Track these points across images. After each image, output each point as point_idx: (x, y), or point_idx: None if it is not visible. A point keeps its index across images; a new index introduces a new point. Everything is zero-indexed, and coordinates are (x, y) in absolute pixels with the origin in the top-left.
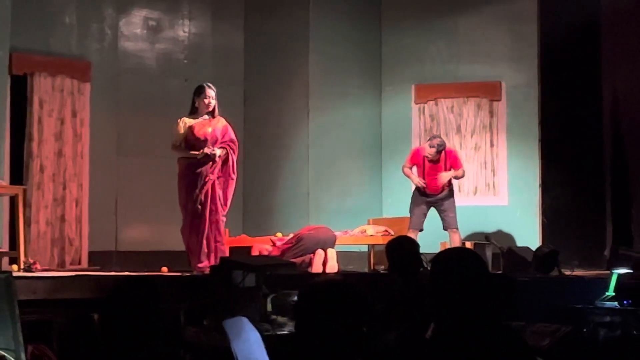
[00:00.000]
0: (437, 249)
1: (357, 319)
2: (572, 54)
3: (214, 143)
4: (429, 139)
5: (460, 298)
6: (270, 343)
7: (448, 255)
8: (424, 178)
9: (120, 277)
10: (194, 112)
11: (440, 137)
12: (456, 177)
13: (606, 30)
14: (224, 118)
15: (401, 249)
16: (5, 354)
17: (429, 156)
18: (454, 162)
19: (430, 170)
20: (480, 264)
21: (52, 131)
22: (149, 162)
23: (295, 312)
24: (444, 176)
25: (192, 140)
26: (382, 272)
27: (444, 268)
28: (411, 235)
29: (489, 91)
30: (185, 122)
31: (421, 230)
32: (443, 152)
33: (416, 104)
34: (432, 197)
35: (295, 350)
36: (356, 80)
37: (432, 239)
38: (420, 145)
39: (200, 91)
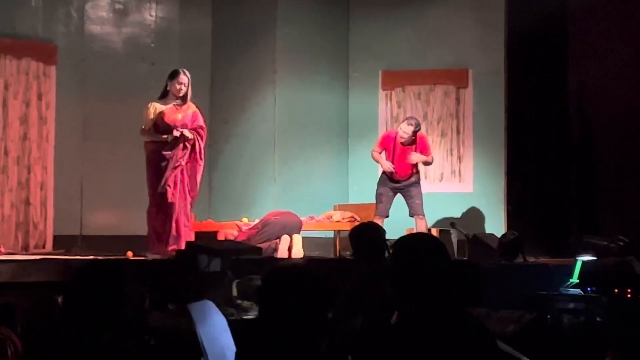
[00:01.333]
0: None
1: (320, 304)
2: (540, 42)
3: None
4: (407, 119)
5: (422, 284)
6: (235, 328)
7: (409, 242)
8: (393, 163)
9: (85, 261)
10: (164, 96)
11: (417, 119)
12: (426, 163)
13: (573, 18)
14: (195, 104)
15: (365, 235)
16: None
17: (405, 135)
18: (423, 148)
19: (400, 155)
20: (441, 250)
21: (17, 114)
22: (115, 147)
23: (258, 297)
24: (415, 157)
25: (161, 126)
26: (347, 258)
27: (405, 254)
28: (377, 221)
29: (456, 78)
30: (156, 107)
31: (387, 216)
32: (414, 137)
33: (383, 90)
34: (399, 183)
35: (259, 335)
36: (323, 66)
37: (398, 225)
38: (387, 130)
39: (174, 75)
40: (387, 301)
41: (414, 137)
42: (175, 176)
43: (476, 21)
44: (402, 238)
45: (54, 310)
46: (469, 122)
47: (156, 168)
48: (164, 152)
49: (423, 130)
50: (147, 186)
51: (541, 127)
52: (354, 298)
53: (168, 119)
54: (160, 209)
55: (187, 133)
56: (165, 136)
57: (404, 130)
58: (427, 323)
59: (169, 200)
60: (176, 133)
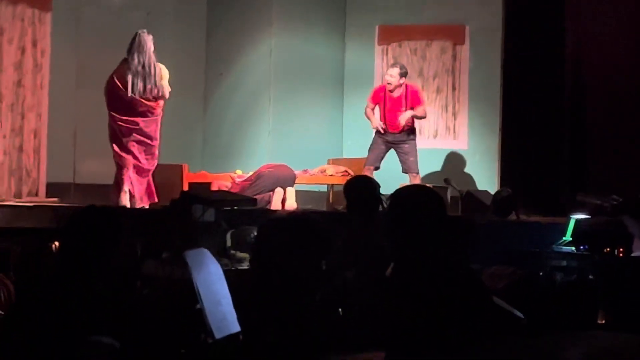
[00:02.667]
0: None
1: (316, 254)
2: (538, 1)
3: None
4: (392, 64)
5: (418, 236)
6: (229, 278)
7: (406, 193)
8: (384, 116)
9: (80, 207)
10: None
11: (403, 64)
12: (417, 117)
13: None
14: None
15: (359, 188)
16: None
17: (391, 80)
18: (414, 99)
19: (391, 107)
20: (438, 202)
21: (11, 60)
22: None
23: (254, 247)
24: (404, 117)
25: None
26: (341, 211)
27: (403, 205)
28: (367, 172)
29: (452, 35)
30: None
31: (377, 168)
32: (404, 89)
33: (379, 45)
34: (392, 136)
35: (254, 286)
36: (320, 20)
37: (392, 181)
38: (378, 85)
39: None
40: (381, 254)
41: (401, 86)
42: None
43: None
44: (400, 189)
45: (46, 256)
46: (465, 78)
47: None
48: None
49: (418, 86)
50: (157, 144)
51: (536, 85)
52: (346, 251)
53: None
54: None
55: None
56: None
57: (390, 74)
58: (422, 275)
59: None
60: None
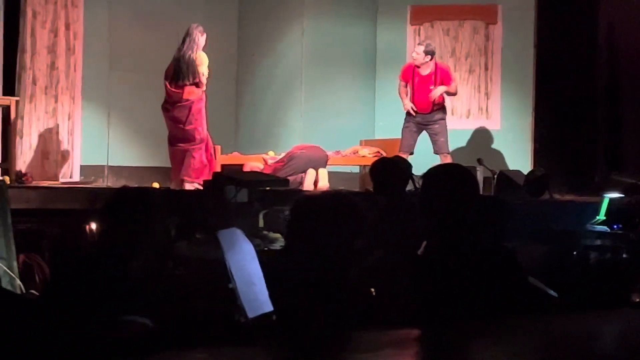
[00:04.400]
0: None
1: (349, 232)
2: None
3: None
4: (419, 42)
5: (453, 215)
6: (262, 258)
7: (440, 172)
8: (413, 94)
9: (115, 189)
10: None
11: (430, 42)
12: (448, 93)
13: None
14: None
15: (384, 170)
16: None
17: (417, 57)
18: (444, 78)
19: (419, 85)
20: (472, 180)
21: (45, 43)
22: (141, 77)
23: (288, 223)
24: (436, 92)
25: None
26: (370, 191)
27: (436, 184)
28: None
29: (485, 14)
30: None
31: (411, 153)
32: (433, 67)
33: (412, 25)
34: (422, 117)
35: (287, 265)
36: (352, 1)
37: (424, 162)
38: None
39: (203, 31)
40: (409, 234)
41: (430, 64)
42: None
43: None
44: (433, 168)
45: (80, 237)
46: (498, 58)
47: (204, 112)
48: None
49: (450, 67)
50: (194, 128)
51: (570, 64)
52: (375, 231)
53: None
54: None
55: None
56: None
57: (416, 51)
58: (457, 254)
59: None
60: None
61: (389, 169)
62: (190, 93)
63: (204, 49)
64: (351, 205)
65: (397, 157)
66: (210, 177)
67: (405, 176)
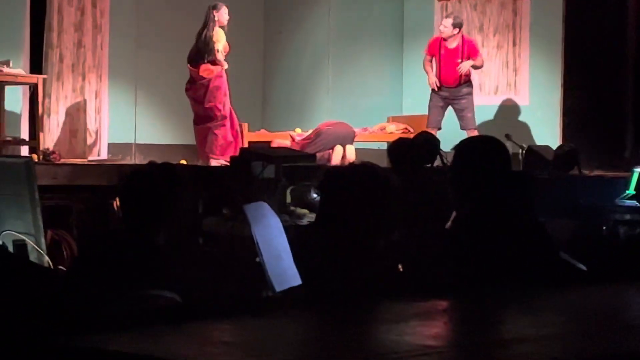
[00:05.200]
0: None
1: (378, 203)
2: None
3: None
4: (446, 15)
5: (486, 187)
6: (289, 234)
7: (472, 144)
8: (440, 68)
9: (142, 164)
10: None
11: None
12: (475, 67)
13: None
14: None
15: (399, 151)
16: (25, 238)
17: (444, 30)
18: (471, 51)
19: (446, 58)
20: (504, 152)
21: (71, 21)
22: (168, 56)
23: (320, 191)
24: (464, 66)
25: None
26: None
27: (468, 156)
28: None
29: None
30: (222, 34)
31: (439, 128)
32: (460, 40)
33: (439, 1)
34: (449, 91)
35: (315, 239)
36: None
37: (452, 137)
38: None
39: (219, 7)
40: (431, 210)
41: (457, 37)
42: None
43: None
44: (465, 141)
45: (108, 213)
46: (526, 34)
47: (224, 89)
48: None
49: (478, 42)
50: (213, 106)
51: (598, 40)
52: (401, 206)
53: (227, 45)
54: (228, 122)
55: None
56: (225, 65)
57: (444, 24)
58: (490, 226)
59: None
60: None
61: (403, 150)
62: (206, 71)
63: (228, 25)
64: (379, 178)
65: (424, 132)
66: (236, 154)
67: (431, 152)
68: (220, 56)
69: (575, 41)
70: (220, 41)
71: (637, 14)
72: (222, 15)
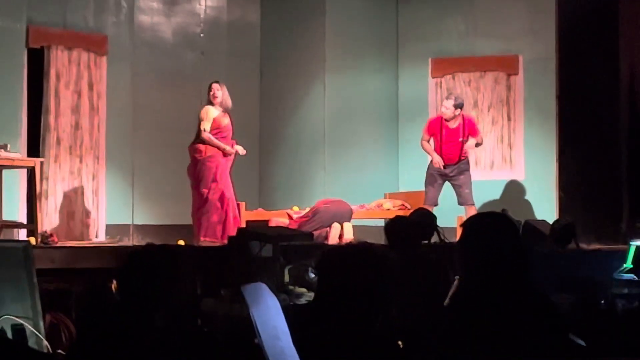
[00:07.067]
0: (453, 223)
1: (376, 282)
2: (590, 27)
3: None
4: (447, 96)
5: (497, 264)
6: (288, 313)
7: (482, 221)
8: (440, 147)
9: (139, 246)
10: (211, 104)
11: (458, 95)
12: (477, 145)
13: (624, 2)
14: None
15: (394, 228)
16: (24, 323)
17: (446, 111)
18: (471, 130)
19: (447, 138)
20: (514, 229)
21: (68, 104)
22: (165, 136)
23: (316, 272)
24: (470, 145)
25: (213, 129)
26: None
27: (478, 233)
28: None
29: (506, 65)
30: (210, 111)
31: (436, 204)
32: (461, 119)
33: (433, 77)
34: (448, 168)
35: (315, 317)
36: (373, 54)
37: (448, 213)
38: (433, 117)
39: (209, 88)
40: (427, 287)
41: (457, 115)
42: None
43: (526, 7)
44: (475, 217)
45: (107, 296)
46: (520, 108)
47: (214, 173)
48: (223, 158)
49: (473, 117)
50: (200, 185)
51: (592, 113)
52: (399, 284)
53: (219, 123)
54: (216, 204)
55: (240, 151)
56: (227, 148)
57: (445, 106)
58: (501, 302)
59: (227, 196)
60: (242, 152)
61: (400, 229)
62: (195, 150)
63: (223, 101)
64: (376, 257)
65: (421, 209)
66: (226, 234)
67: (428, 229)
68: (206, 135)
69: (569, 115)
70: (206, 119)
71: (629, 87)
72: (213, 92)
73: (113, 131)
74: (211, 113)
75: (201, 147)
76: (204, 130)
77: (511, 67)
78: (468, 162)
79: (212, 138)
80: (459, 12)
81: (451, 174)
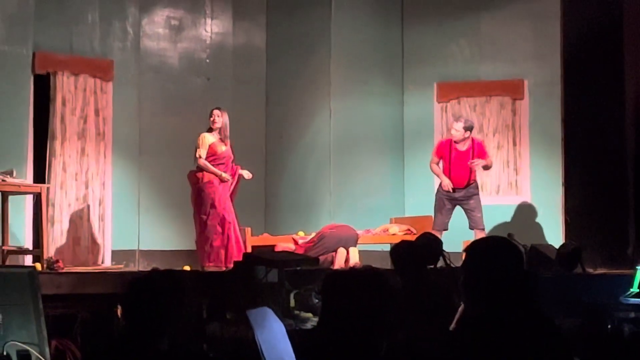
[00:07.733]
0: (459, 248)
1: (382, 304)
2: (595, 52)
3: None
4: (457, 118)
5: (502, 289)
6: (293, 338)
7: (487, 245)
8: (449, 170)
9: (145, 272)
10: (210, 130)
11: (466, 117)
12: (486, 167)
13: (629, 26)
14: None
15: (400, 252)
16: (29, 349)
17: (456, 133)
18: (481, 153)
19: (457, 161)
20: (518, 254)
21: (74, 130)
22: (171, 162)
23: (321, 296)
24: (479, 164)
25: (210, 155)
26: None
27: (482, 258)
28: (435, 234)
29: (511, 90)
30: (206, 138)
31: (446, 229)
32: (470, 142)
33: (438, 102)
34: (458, 192)
35: (321, 340)
36: (378, 79)
37: (455, 237)
38: (443, 139)
39: (210, 114)
40: (432, 311)
41: (467, 138)
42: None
43: (532, 31)
44: (479, 242)
45: (112, 321)
46: (526, 133)
47: (212, 199)
48: (221, 183)
49: (483, 140)
50: (199, 211)
51: (598, 137)
52: (404, 308)
53: (215, 150)
54: (217, 230)
55: (246, 175)
56: (223, 174)
57: (455, 128)
58: (506, 328)
59: (228, 220)
60: (247, 176)
61: (404, 253)
62: (193, 177)
63: (219, 129)
64: (380, 281)
65: (427, 233)
66: (231, 259)
67: (433, 253)
68: (201, 162)
69: (575, 139)
70: (202, 146)
71: (635, 110)
72: (213, 118)
73: (119, 157)
74: (207, 140)
75: (199, 174)
76: (199, 157)
77: (516, 92)
78: (477, 186)
79: (208, 164)
80: (464, 36)
81: (460, 198)
